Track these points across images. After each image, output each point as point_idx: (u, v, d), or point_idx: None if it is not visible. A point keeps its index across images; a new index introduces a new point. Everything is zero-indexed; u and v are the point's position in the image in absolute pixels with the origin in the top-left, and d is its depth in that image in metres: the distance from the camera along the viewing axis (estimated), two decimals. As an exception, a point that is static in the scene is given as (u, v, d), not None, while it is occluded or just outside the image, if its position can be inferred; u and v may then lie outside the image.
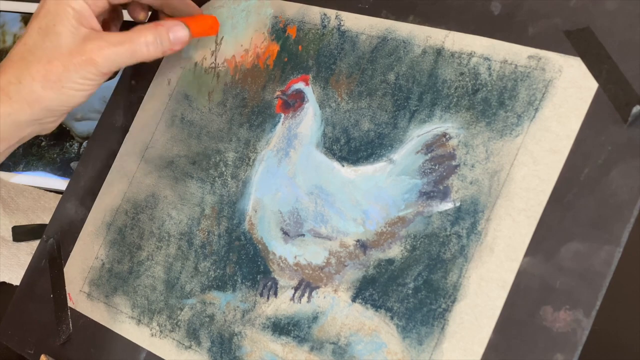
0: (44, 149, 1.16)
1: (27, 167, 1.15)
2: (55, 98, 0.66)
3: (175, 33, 0.69)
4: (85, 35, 0.66)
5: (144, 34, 0.67)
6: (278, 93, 0.69)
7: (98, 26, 0.67)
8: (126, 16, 0.75)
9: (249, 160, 0.69)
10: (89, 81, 0.66)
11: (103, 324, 0.72)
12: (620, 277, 0.52)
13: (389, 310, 0.59)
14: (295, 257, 0.64)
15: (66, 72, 0.65)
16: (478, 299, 0.55)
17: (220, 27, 0.74)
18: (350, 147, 0.64)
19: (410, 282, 0.58)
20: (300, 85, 0.68)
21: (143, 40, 0.67)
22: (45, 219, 1.05)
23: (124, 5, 0.73)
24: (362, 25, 0.66)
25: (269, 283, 0.65)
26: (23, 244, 1.01)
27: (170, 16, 0.73)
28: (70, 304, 0.75)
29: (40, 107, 0.66)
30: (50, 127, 0.69)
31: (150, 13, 0.75)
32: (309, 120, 0.67)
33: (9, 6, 1.19)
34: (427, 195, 0.59)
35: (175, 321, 0.68)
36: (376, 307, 0.59)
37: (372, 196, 0.62)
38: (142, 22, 0.74)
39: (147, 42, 0.67)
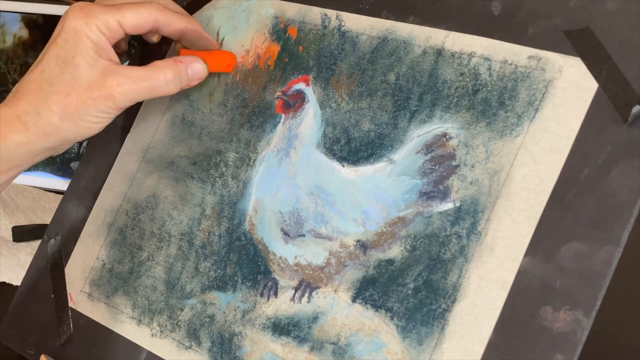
0: (44, 149, 1.16)
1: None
2: (72, 130, 0.66)
3: (193, 69, 0.69)
4: (104, 69, 0.65)
5: (164, 71, 0.67)
6: (279, 93, 0.69)
7: (116, 57, 0.67)
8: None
9: (250, 161, 0.69)
10: (105, 114, 0.66)
11: (104, 324, 0.72)
12: (620, 277, 0.52)
13: (389, 311, 0.59)
14: (296, 258, 0.64)
15: (84, 105, 0.65)
16: (478, 299, 0.55)
17: (221, 27, 0.74)
18: (351, 147, 0.64)
19: (410, 283, 0.58)
20: (300, 85, 0.68)
21: (163, 78, 0.67)
22: (45, 219, 1.05)
23: None
24: (362, 25, 0.66)
25: (269, 283, 0.65)
26: (23, 244, 1.01)
27: (187, 48, 0.72)
28: (71, 304, 0.75)
29: (56, 137, 0.66)
30: (62, 150, 0.69)
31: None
32: (310, 121, 0.67)
33: (9, 6, 1.19)
34: (427, 195, 0.59)
35: (175, 321, 0.68)
36: (376, 307, 0.59)
37: (372, 196, 0.62)
38: (154, 43, 0.75)
39: (167, 80, 0.67)
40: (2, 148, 0.65)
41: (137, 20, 0.67)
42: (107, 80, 0.65)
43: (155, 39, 0.74)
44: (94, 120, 0.66)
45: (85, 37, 0.65)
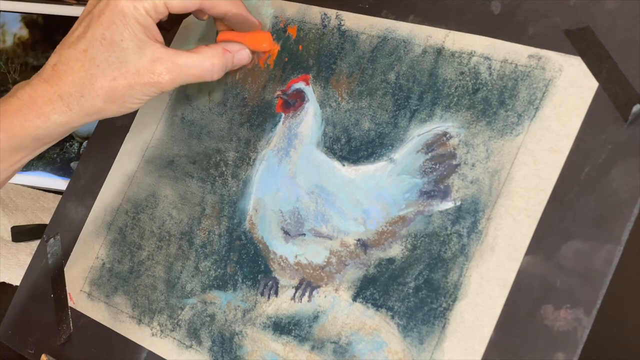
0: (43, 149, 1.16)
1: (27, 167, 1.15)
2: (115, 111, 0.66)
3: (239, 58, 0.70)
4: (152, 53, 0.65)
5: (212, 60, 0.67)
6: (278, 92, 0.69)
7: (161, 37, 0.66)
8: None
9: (250, 160, 0.69)
10: (148, 97, 0.66)
11: (104, 323, 0.72)
12: (620, 275, 0.52)
13: (389, 310, 0.59)
14: (296, 257, 0.64)
15: (130, 90, 0.65)
16: (479, 298, 0.55)
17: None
18: (351, 146, 0.64)
19: (411, 281, 0.58)
20: (300, 84, 0.68)
21: (210, 67, 0.67)
22: (44, 219, 1.05)
23: None
24: (362, 24, 0.66)
25: (270, 282, 0.65)
26: (22, 244, 1.01)
27: (228, 28, 0.71)
28: (70, 303, 0.75)
29: (97, 116, 0.66)
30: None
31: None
32: (310, 120, 0.67)
33: (9, 6, 1.19)
34: (428, 194, 0.59)
35: (176, 321, 0.68)
36: (377, 306, 0.59)
37: (372, 195, 0.62)
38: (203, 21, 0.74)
39: (214, 69, 0.67)
40: (44, 127, 0.65)
41: (183, 3, 0.66)
42: (155, 67, 0.65)
43: (205, 17, 0.72)
44: (136, 102, 0.66)
45: (133, 21, 0.64)
